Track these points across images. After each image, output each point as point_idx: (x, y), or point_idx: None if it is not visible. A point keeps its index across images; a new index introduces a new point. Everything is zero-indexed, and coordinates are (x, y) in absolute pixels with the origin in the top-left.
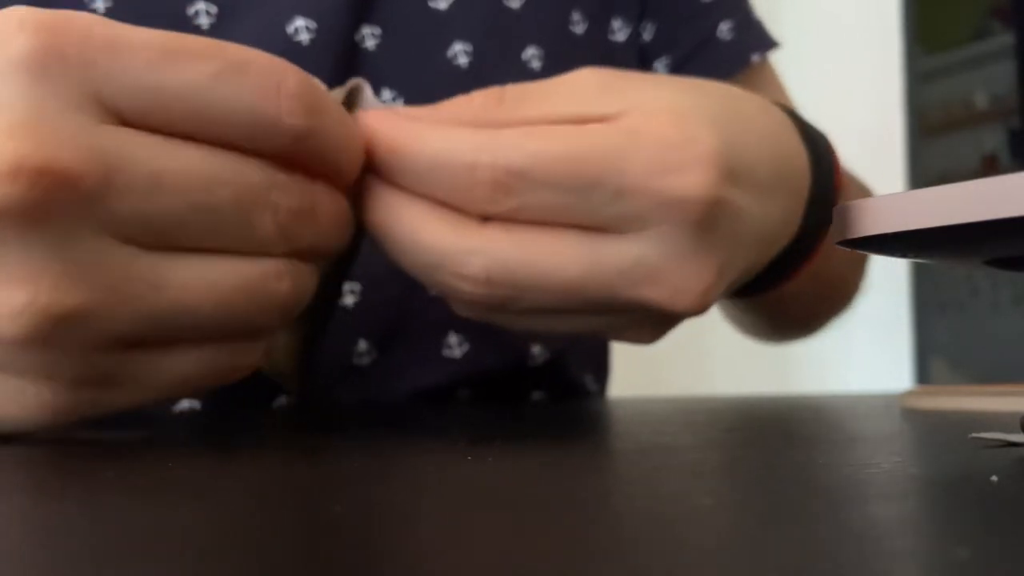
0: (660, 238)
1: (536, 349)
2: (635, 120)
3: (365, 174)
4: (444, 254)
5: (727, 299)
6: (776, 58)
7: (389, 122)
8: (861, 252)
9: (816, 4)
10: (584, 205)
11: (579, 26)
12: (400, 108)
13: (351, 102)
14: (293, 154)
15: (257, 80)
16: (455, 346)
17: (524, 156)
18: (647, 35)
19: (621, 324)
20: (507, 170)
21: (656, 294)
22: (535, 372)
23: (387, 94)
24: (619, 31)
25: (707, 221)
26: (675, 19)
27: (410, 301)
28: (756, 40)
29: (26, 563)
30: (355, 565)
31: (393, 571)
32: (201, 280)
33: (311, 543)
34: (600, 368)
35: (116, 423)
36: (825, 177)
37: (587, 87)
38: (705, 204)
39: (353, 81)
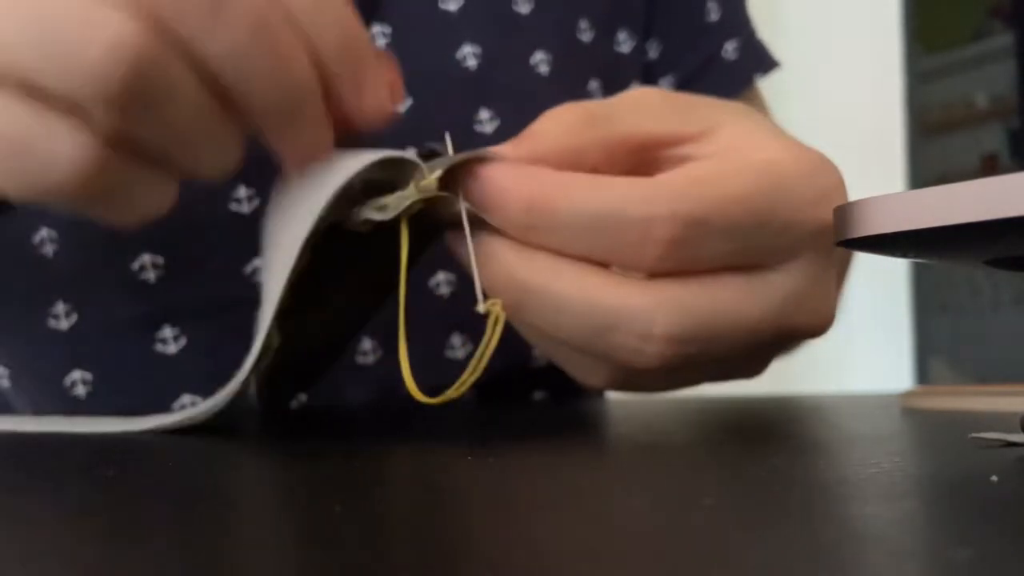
0: (806, 265)
1: (537, 351)
2: (744, 142)
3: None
4: (621, 315)
5: None
6: (776, 59)
7: (525, 176)
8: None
9: (816, 4)
10: (751, 244)
11: (586, 34)
12: (509, 152)
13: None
14: None
15: None
16: (458, 347)
17: (702, 205)
18: (653, 53)
19: (749, 363)
20: (687, 222)
21: (806, 320)
22: (537, 373)
23: None
24: (624, 43)
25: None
26: (681, 38)
27: (415, 301)
28: (759, 60)
29: (26, 564)
30: (355, 565)
31: (393, 570)
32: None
33: (311, 543)
34: None
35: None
36: None
37: (656, 105)
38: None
39: (473, 153)
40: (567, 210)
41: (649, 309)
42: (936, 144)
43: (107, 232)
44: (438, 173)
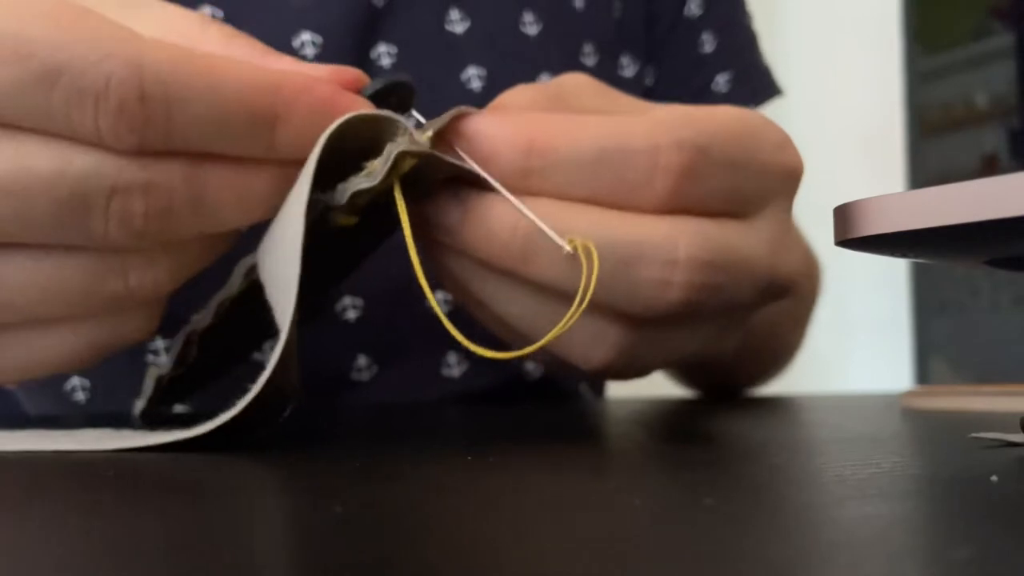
0: (778, 212)
1: (531, 365)
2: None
3: (455, 188)
4: (644, 245)
5: None
6: (777, 59)
7: (519, 121)
8: (805, 311)
9: (816, 4)
10: (740, 184)
11: (590, 58)
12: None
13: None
14: (154, 147)
15: (69, 95)
16: (454, 365)
17: (702, 134)
18: (649, 80)
19: (732, 327)
20: (692, 149)
21: (785, 268)
22: (532, 386)
23: None
24: (627, 67)
25: (796, 192)
26: (673, 70)
27: (411, 319)
28: (753, 91)
29: (25, 563)
30: (355, 565)
31: (393, 571)
32: (21, 274)
33: (311, 544)
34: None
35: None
36: None
37: (590, 87)
38: (801, 177)
39: (457, 110)
40: (569, 148)
41: (671, 236)
42: (936, 144)
43: None
44: (430, 132)
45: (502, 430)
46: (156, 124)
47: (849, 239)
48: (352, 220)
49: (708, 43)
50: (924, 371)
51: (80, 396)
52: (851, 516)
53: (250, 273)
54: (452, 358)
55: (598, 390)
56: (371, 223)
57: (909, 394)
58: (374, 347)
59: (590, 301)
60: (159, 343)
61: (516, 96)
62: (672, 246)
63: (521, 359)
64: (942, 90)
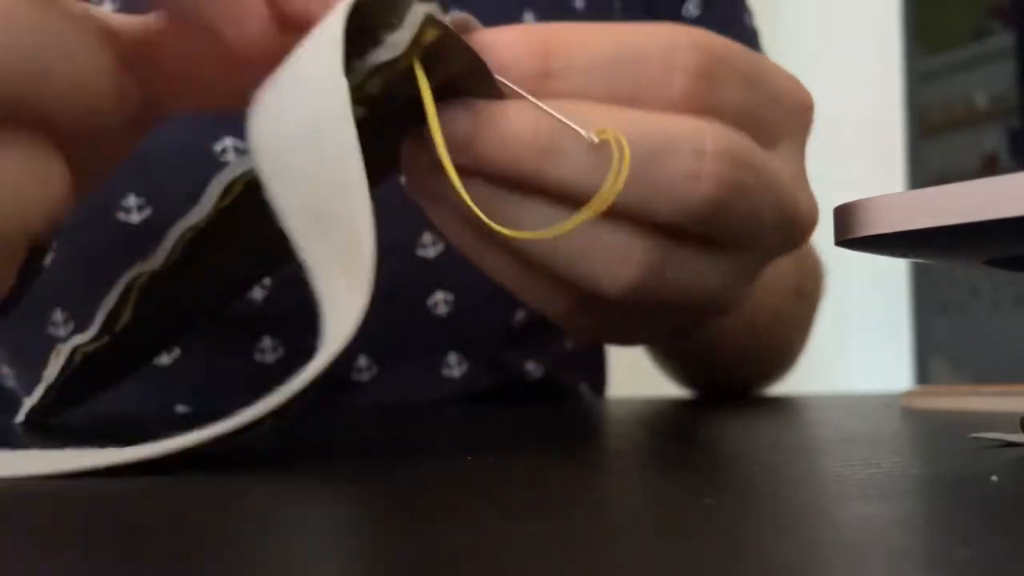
0: (793, 149)
1: (531, 366)
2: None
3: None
4: (672, 135)
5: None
6: (777, 59)
7: (535, 28)
8: (808, 311)
9: (816, 4)
10: (755, 103)
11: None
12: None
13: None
14: None
15: None
16: (454, 366)
17: (720, 42)
18: None
19: (746, 272)
20: (709, 52)
21: (803, 206)
22: (530, 387)
23: None
24: None
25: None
26: None
27: (411, 319)
28: None
29: (26, 564)
30: (356, 565)
31: (394, 571)
32: None
33: (311, 544)
34: (596, 377)
35: (118, 428)
36: None
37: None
38: (812, 115)
39: (463, 17)
40: (586, 49)
41: (698, 129)
42: (936, 144)
43: (103, 244)
44: (447, 19)
45: (501, 431)
46: None
47: (849, 239)
48: (360, 113)
49: (693, 7)
50: (924, 371)
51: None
52: (851, 516)
53: (228, 191)
54: (452, 358)
55: (598, 390)
56: (378, 132)
57: (909, 394)
58: (374, 347)
59: (616, 209)
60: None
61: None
62: (699, 138)
63: (521, 361)
64: (942, 90)
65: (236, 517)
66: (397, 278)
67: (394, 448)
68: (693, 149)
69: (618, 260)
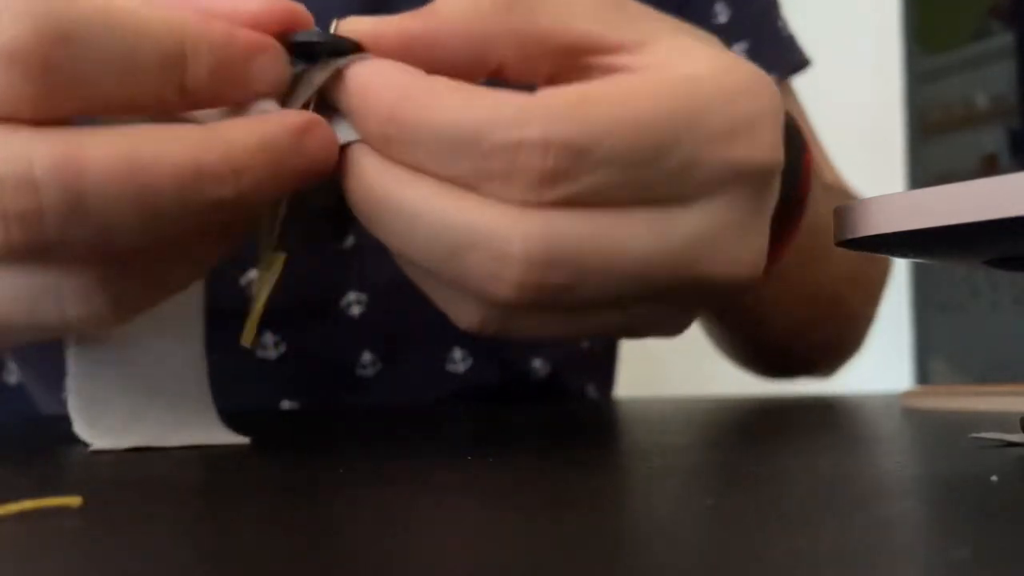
0: (724, 206)
1: (537, 363)
2: (678, 59)
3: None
4: (477, 233)
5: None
6: (804, 57)
7: (389, 78)
8: (871, 281)
9: (816, 4)
10: (648, 179)
11: None
12: (390, 27)
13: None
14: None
15: None
16: (459, 361)
17: (585, 130)
18: None
19: (656, 316)
20: (561, 151)
21: (718, 268)
22: (536, 385)
23: None
24: None
25: (769, 185)
26: None
27: (416, 314)
28: (774, 61)
29: (25, 563)
30: (356, 564)
31: (394, 570)
32: None
33: (311, 543)
34: (604, 378)
35: None
36: (793, 167)
37: (590, 1)
38: (773, 168)
39: (350, 59)
40: (427, 125)
41: (508, 228)
42: (936, 144)
43: None
44: (324, 75)
45: (502, 431)
46: (57, 68)
47: (849, 239)
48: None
49: (722, 13)
50: (924, 371)
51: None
52: (851, 516)
53: None
54: (457, 354)
55: (604, 390)
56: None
57: (909, 394)
58: (379, 343)
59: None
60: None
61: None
62: (505, 238)
63: (527, 358)
64: (942, 90)
65: (233, 517)
66: (401, 273)
67: (393, 447)
68: (496, 253)
69: (458, 310)
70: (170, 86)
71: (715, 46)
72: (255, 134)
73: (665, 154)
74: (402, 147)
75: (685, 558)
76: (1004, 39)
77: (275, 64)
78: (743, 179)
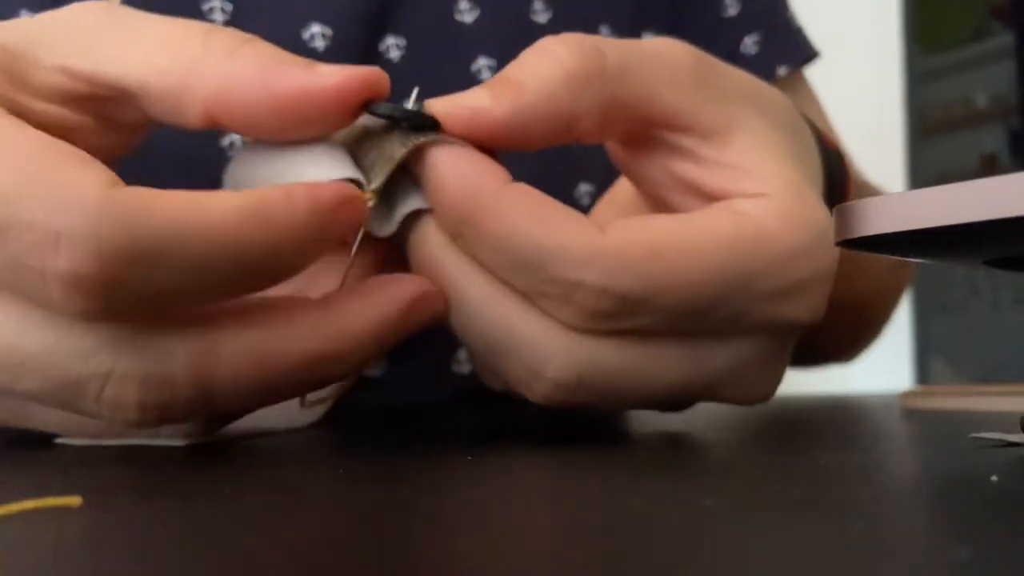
0: (757, 346)
1: None
2: (747, 183)
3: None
4: (519, 345)
5: None
6: (813, 48)
7: (467, 181)
8: (898, 290)
9: (816, 4)
10: (694, 325)
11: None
12: (478, 116)
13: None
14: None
15: (17, 252)
16: (464, 362)
17: (644, 285)
18: None
19: (676, 407)
20: (618, 299)
21: (737, 394)
22: None
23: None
24: None
25: (800, 333)
26: (698, 36)
27: None
28: (785, 52)
29: (24, 562)
30: (356, 564)
31: (394, 570)
32: None
33: (311, 543)
34: None
35: None
36: (836, 199)
37: (683, 71)
38: (810, 327)
39: (426, 138)
40: (494, 237)
41: (549, 349)
42: (936, 144)
43: None
44: (403, 152)
45: (502, 431)
46: (122, 285)
47: (849, 239)
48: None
49: (732, 6)
50: (924, 371)
51: None
52: (851, 516)
53: None
54: (463, 355)
55: None
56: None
57: (909, 394)
58: None
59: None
60: None
61: (551, 57)
62: (544, 358)
63: None
64: (942, 90)
65: (234, 517)
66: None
67: (393, 446)
68: (532, 368)
69: (523, 381)
70: (258, 283)
71: (785, 144)
72: (374, 318)
73: (716, 309)
74: (471, 247)
75: (684, 558)
76: (1004, 39)
77: (356, 216)
78: (781, 330)
